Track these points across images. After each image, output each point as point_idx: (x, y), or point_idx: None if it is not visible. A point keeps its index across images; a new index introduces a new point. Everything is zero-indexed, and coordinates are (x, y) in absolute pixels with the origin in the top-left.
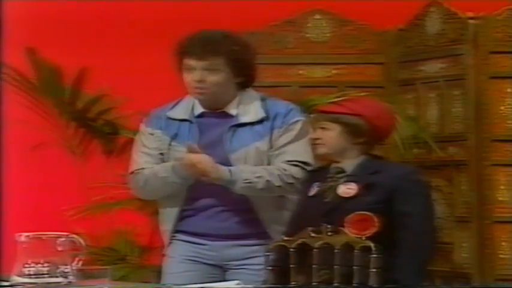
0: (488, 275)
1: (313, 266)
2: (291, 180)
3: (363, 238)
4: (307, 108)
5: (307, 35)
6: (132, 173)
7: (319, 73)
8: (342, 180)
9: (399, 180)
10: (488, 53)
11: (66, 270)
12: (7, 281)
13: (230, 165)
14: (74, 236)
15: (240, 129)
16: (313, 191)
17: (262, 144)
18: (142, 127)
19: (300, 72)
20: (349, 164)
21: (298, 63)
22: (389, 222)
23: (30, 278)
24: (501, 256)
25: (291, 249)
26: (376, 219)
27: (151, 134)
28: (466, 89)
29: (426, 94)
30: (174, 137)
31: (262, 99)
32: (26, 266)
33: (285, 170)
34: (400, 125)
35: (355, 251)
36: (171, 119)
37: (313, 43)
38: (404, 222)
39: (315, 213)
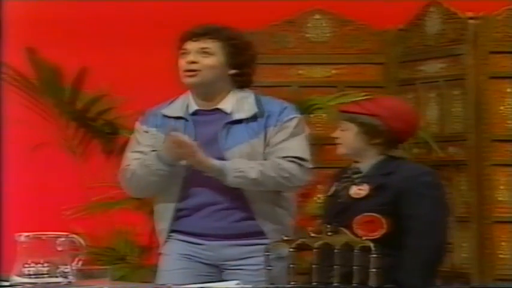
0: (488, 275)
1: (313, 265)
2: (286, 174)
3: (371, 240)
4: (307, 108)
5: (307, 35)
6: (123, 169)
7: (319, 73)
8: (357, 180)
9: (407, 182)
10: (488, 53)
11: (66, 270)
12: (7, 281)
13: None
14: (74, 236)
15: (235, 127)
16: (331, 190)
17: (257, 142)
18: (138, 125)
19: (300, 72)
20: (367, 164)
21: (298, 63)
22: (397, 224)
23: (30, 278)
24: (501, 256)
25: (291, 249)
26: (384, 221)
27: (146, 132)
28: (466, 89)
29: (426, 94)
30: None
31: (257, 97)
32: (26, 266)
33: (279, 164)
34: None
35: (355, 251)
36: (166, 117)
37: (313, 43)
38: (410, 225)
39: (329, 213)
